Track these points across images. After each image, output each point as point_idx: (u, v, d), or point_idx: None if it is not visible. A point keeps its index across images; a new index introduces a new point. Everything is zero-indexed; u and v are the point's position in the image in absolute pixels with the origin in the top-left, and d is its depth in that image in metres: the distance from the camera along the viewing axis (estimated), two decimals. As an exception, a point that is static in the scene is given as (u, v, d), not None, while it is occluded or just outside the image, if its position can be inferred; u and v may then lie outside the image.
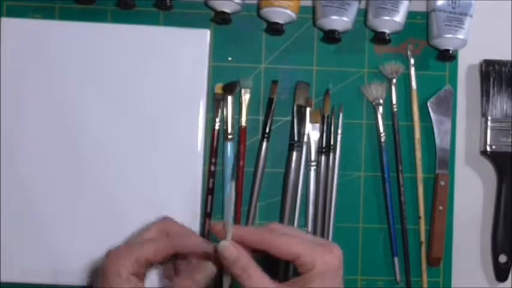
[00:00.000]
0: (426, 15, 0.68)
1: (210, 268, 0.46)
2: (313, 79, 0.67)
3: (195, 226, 0.63)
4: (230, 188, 0.47)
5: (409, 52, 0.68)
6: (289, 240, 0.44)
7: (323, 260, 0.44)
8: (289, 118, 0.67)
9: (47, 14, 0.66)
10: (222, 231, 0.45)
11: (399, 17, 0.65)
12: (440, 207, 0.66)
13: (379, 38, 0.66)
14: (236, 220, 0.65)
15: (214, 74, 0.67)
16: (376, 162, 0.67)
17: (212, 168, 0.65)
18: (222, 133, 0.66)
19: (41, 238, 0.63)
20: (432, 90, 0.68)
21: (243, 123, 0.66)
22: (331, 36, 0.65)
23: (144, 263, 0.45)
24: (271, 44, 0.67)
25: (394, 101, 0.67)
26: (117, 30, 0.65)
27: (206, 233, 0.65)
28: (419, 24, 0.68)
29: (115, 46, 0.64)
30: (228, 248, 0.44)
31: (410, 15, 0.67)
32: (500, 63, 0.68)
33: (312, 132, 0.66)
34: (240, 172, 0.65)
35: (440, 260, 0.67)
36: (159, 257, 0.46)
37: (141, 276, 0.46)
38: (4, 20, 0.64)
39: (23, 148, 0.63)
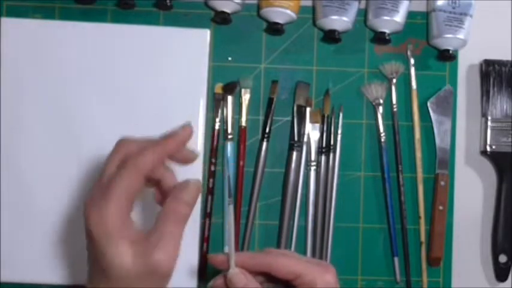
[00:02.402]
0: (426, 15, 0.68)
1: (194, 184, 0.45)
2: (313, 79, 0.67)
3: (195, 226, 0.63)
4: (229, 214, 0.46)
5: (409, 52, 0.68)
6: (289, 260, 0.45)
7: (323, 279, 0.45)
8: (289, 118, 0.67)
9: (47, 14, 0.66)
10: (224, 262, 0.46)
11: (399, 17, 0.65)
12: (440, 207, 0.66)
13: (379, 38, 0.66)
14: (236, 220, 0.65)
15: (214, 74, 0.67)
16: (376, 162, 0.67)
17: (212, 168, 0.65)
18: (222, 133, 0.66)
19: (41, 238, 0.63)
20: (432, 90, 0.68)
21: (243, 123, 0.66)
22: (331, 36, 0.65)
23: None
24: (271, 44, 0.67)
25: (394, 101, 0.67)
26: (117, 30, 0.65)
27: (206, 235, 0.65)
28: (419, 24, 0.68)
29: (115, 46, 0.64)
30: (237, 275, 0.45)
31: (410, 15, 0.67)
32: (500, 63, 0.68)
33: (312, 132, 0.66)
34: (240, 172, 0.66)
35: (440, 260, 0.67)
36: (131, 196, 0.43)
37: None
38: (4, 20, 0.64)
39: (23, 148, 0.63)
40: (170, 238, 0.42)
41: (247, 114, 0.66)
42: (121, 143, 0.46)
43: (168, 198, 0.44)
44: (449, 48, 0.66)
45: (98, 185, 0.44)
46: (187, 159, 0.48)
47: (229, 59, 0.67)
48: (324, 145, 0.66)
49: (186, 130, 0.47)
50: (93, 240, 0.42)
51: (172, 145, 0.46)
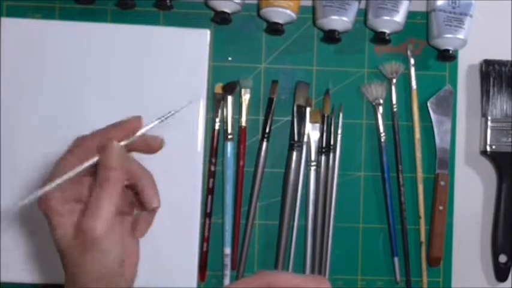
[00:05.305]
0: (426, 15, 0.68)
1: (110, 147, 0.45)
2: (313, 79, 0.67)
3: (195, 226, 0.63)
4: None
5: (409, 52, 0.68)
6: (287, 276, 0.44)
7: None
8: (289, 118, 0.67)
9: (47, 14, 0.66)
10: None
11: (399, 17, 0.65)
12: (440, 207, 0.67)
13: (379, 38, 0.66)
14: (236, 220, 0.65)
15: (214, 74, 0.67)
16: (376, 162, 0.67)
17: (212, 168, 0.65)
18: (222, 133, 0.66)
19: (41, 238, 0.63)
20: (432, 90, 0.68)
21: (243, 123, 0.66)
22: (331, 36, 0.65)
23: None
24: (271, 44, 0.67)
25: (394, 101, 0.67)
26: (117, 30, 0.65)
27: (206, 235, 0.65)
28: (419, 24, 0.68)
29: (115, 46, 0.64)
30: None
31: (410, 15, 0.67)
32: (500, 63, 0.68)
33: (312, 132, 0.66)
34: (240, 172, 0.65)
35: (440, 260, 0.67)
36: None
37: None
38: (4, 20, 0.64)
39: (22, 148, 0.63)
40: (96, 203, 0.42)
41: (247, 114, 0.66)
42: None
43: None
44: (449, 48, 0.66)
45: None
46: (151, 147, 0.48)
47: (229, 59, 0.67)
48: (324, 145, 0.66)
49: (132, 122, 0.48)
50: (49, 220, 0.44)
51: (115, 133, 0.46)
